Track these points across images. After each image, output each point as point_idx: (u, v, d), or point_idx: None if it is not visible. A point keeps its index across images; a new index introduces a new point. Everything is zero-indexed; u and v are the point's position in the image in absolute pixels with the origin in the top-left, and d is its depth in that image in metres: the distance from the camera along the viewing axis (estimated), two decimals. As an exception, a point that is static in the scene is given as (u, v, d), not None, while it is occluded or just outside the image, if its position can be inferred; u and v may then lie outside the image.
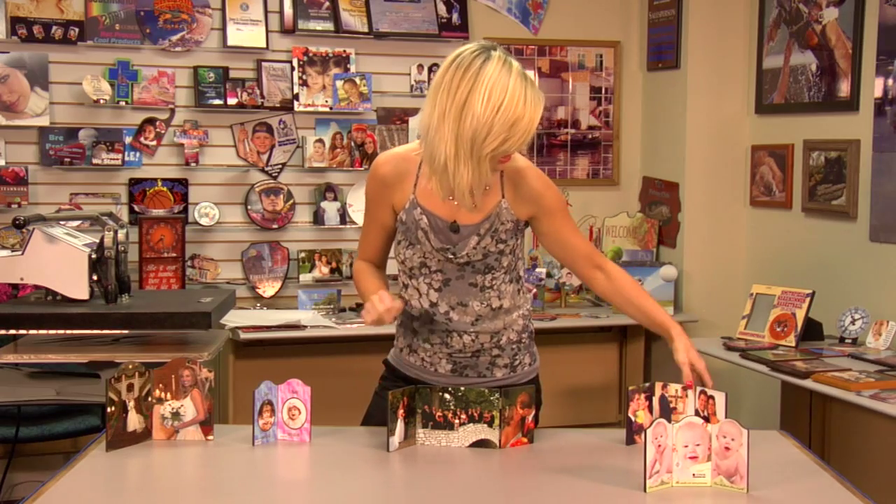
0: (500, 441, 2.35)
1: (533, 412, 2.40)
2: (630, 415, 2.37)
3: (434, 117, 2.29)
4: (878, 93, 4.06)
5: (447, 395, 2.36)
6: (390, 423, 2.32)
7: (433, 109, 2.30)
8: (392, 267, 2.58)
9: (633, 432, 2.38)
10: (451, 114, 2.26)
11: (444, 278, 2.49)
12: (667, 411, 2.36)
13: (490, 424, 2.35)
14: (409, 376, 2.57)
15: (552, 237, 2.56)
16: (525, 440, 2.39)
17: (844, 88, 4.26)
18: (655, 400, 2.38)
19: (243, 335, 4.23)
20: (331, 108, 4.81)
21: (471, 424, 2.36)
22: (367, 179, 2.55)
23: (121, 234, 3.19)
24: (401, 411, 2.33)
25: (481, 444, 2.36)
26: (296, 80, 4.77)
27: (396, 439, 2.33)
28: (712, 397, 2.29)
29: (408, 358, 2.59)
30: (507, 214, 2.47)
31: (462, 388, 2.37)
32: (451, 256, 2.47)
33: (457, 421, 2.36)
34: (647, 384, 2.39)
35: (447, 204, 2.44)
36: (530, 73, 2.36)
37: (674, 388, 2.37)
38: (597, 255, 2.61)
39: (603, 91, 5.25)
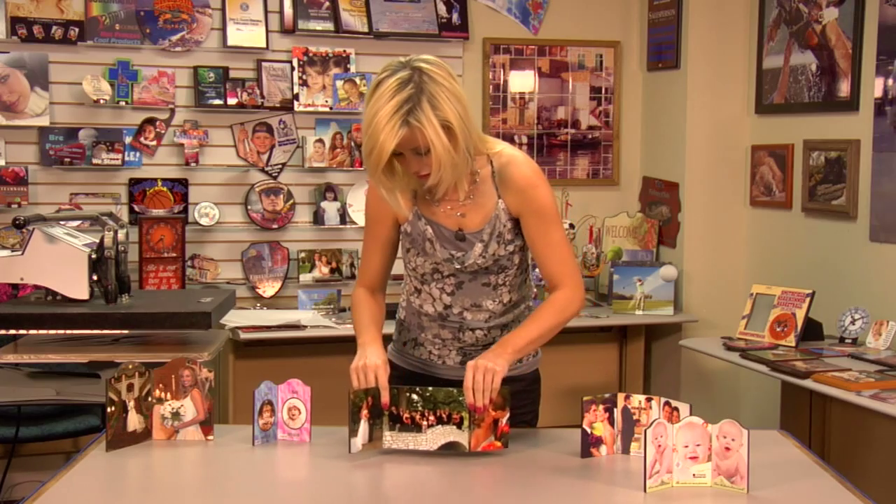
0: (469, 444, 2.26)
1: (507, 415, 2.27)
2: (585, 426, 2.26)
3: None
4: (878, 93, 4.06)
5: (415, 396, 2.28)
6: (352, 423, 2.24)
7: None
8: (398, 267, 2.55)
9: (590, 445, 2.28)
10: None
11: (457, 282, 2.45)
12: (630, 423, 2.30)
13: (459, 426, 2.27)
14: (412, 370, 2.54)
15: (529, 241, 2.43)
16: (499, 444, 2.28)
17: (844, 88, 4.26)
18: (618, 412, 2.29)
19: (243, 335, 4.23)
20: (331, 108, 4.81)
21: (439, 426, 2.27)
22: (367, 196, 2.51)
23: (121, 234, 3.19)
24: (364, 412, 2.26)
25: (450, 446, 2.27)
26: (296, 80, 4.77)
27: (359, 441, 2.25)
28: (676, 409, 2.22)
29: (412, 352, 2.56)
30: (505, 214, 2.40)
31: (430, 389, 2.29)
32: (459, 266, 2.43)
33: (425, 423, 2.27)
34: (606, 395, 2.29)
35: (450, 213, 2.41)
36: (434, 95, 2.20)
37: (637, 400, 2.29)
38: (560, 277, 2.41)
39: (603, 91, 5.25)
